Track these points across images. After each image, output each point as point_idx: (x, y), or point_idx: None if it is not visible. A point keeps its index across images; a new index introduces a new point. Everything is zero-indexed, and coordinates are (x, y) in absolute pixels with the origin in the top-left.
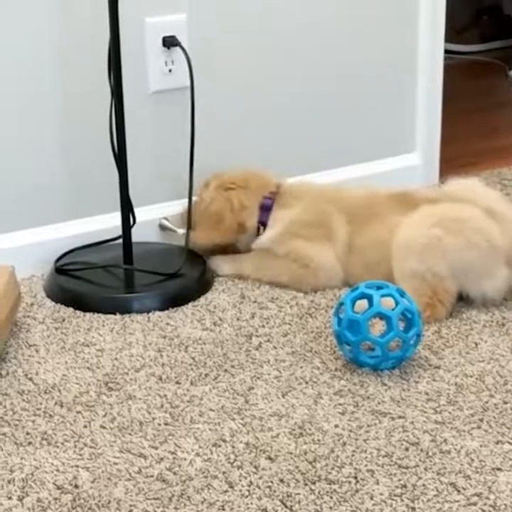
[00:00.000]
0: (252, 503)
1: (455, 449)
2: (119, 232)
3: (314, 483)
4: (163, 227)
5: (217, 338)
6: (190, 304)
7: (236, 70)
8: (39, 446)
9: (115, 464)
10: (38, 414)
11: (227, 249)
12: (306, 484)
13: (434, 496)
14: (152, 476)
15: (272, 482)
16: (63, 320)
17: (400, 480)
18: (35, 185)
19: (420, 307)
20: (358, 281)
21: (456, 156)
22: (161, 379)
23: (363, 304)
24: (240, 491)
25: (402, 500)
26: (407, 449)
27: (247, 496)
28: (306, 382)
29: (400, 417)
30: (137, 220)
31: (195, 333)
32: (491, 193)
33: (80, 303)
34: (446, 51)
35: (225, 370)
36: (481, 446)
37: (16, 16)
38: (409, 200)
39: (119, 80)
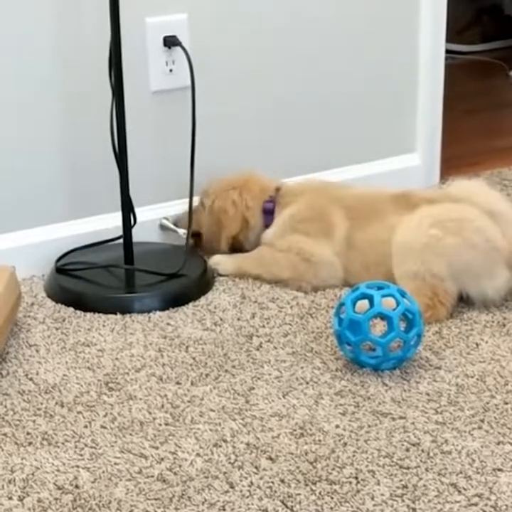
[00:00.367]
0: (252, 504)
1: (456, 450)
2: (120, 232)
3: (315, 483)
4: (163, 227)
5: (218, 338)
6: (190, 304)
7: (236, 69)
8: (40, 447)
9: (116, 464)
10: (38, 414)
11: (235, 250)
12: (306, 485)
13: (435, 496)
14: (153, 477)
15: (272, 482)
16: (64, 320)
17: (400, 480)
18: (35, 185)
19: (421, 308)
20: (358, 280)
21: (457, 156)
22: (161, 379)
23: (363, 304)
24: (241, 491)
25: (403, 500)
26: (407, 450)
27: (247, 497)
28: (307, 383)
29: (400, 418)
30: (138, 220)
31: (195, 333)
32: (491, 193)
33: (81, 303)
34: (447, 51)
35: (226, 371)
36: (481, 446)
37: (16, 16)
38: (409, 201)
39: (120, 80)
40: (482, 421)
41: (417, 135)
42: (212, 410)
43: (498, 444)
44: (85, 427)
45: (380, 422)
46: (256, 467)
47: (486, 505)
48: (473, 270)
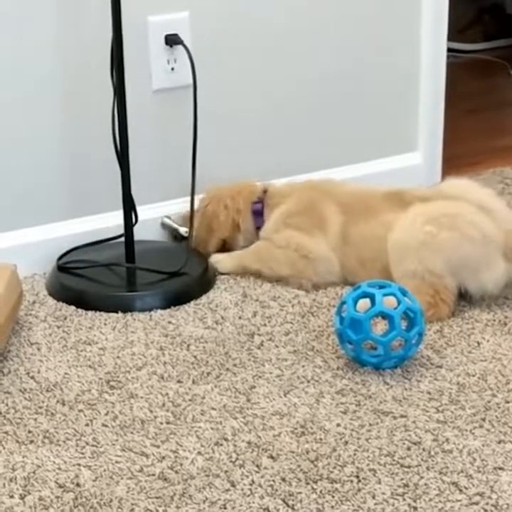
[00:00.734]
0: (253, 502)
1: (457, 449)
2: (122, 231)
3: (316, 482)
4: (165, 226)
5: (219, 336)
6: (192, 303)
7: (238, 68)
8: (41, 445)
9: (117, 462)
10: (39, 413)
11: (227, 250)
12: (307, 483)
13: (436, 495)
14: (154, 475)
15: (273, 481)
16: (65, 318)
17: (402, 479)
18: (37, 184)
19: (423, 307)
20: (354, 276)
21: (459, 155)
22: (162, 378)
23: (365, 303)
24: (242, 489)
25: (404, 499)
26: (409, 448)
27: (248, 495)
28: (308, 381)
29: (402, 416)
30: (139, 218)
31: (197, 331)
32: (482, 190)
33: (82, 301)
34: (449, 50)
35: (227, 369)
36: (483, 445)
37: (17, 16)
38: (402, 199)
39: (121, 78)
40: (483, 420)
41: (418, 134)
42: (213, 409)
43: (499, 442)
44: (86, 425)
45: (381, 420)
46: (257, 466)
47: (487, 504)
48: (470, 264)
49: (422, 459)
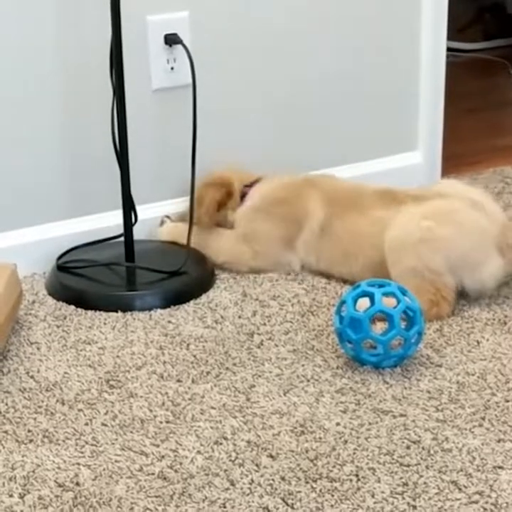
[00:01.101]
0: (253, 501)
1: (457, 447)
2: (121, 230)
3: (315, 481)
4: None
5: (219, 336)
6: (191, 302)
7: (237, 67)
8: (40, 444)
9: (116, 461)
10: (39, 412)
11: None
12: (307, 482)
13: (436, 494)
14: (153, 474)
15: (273, 480)
16: (65, 318)
17: (401, 478)
18: (37, 183)
19: (424, 305)
20: (333, 268)
21: (459, 155)
22: (162, 377)
23: (364, 302)
24: (241, 488)
25: (403, 498)
26: (408, 447)
27: (248, 494)
28: (308, 380)
29: (401, 415)
30: (139, 217)
31: (196, 331)
32: (472, 189)
33: (82, 301)
34: (449, 49)
35: (227, 368)
36: (482, 444)
37: (16, 15)
38: (393, 197)
39: (121, 78)
40: (483, 419)
41: (418, 133)
42: (212, 408)
43: (499, 441)
44: (86, 424)
45: (380, 419)
46: (256, 465)
47: (486, 502)
48: (469, 259)
49: (421, 458)
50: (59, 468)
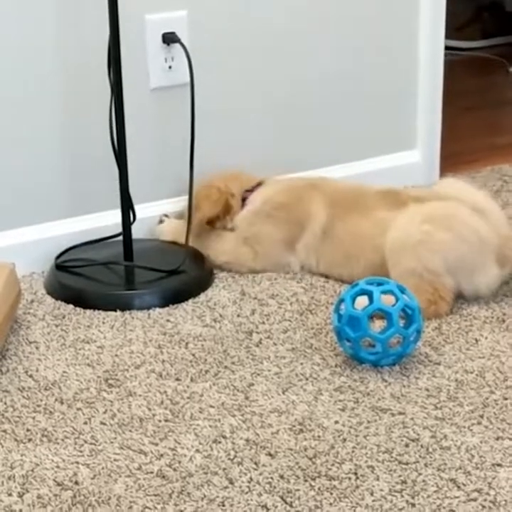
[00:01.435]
0: (252, 500)
1: (455, 445)
2: (120, 229)
3: (314, 479)
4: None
5: (218, 334)
6: (190, 301)
7: (236, 67)
8: (39, 443)
9: (115, 460)
10: (38, 411)
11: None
12: (306, 480)
13: (434, 491)
14: (152, 473)
15: (272, 478)
16: (63, 317)
17: (400, 476)
18: (35, 183)
19: (423, 304)
20: (333, 270)
21: (457, 153)
22: (161, 375)
23: (363, 300)
24: (240, 487)
25: (402, 496)
26: (407, 445)
27: (247, 492)
28: (307, 379)
29: (400, 413)
30: (138, 217)
31: (195, 329)
32: (476, 192)
33: (81, 300)
34: (447, 47)
35: (225, 367)
36: (481, 442)
37: (15, 15)
38: (395, 198)
39: (119, 77)
40: (481, 416)
41: (417, 132)
42: (211, 406)
43: (498, 439)
44: (85, 423)
45: (379, 417)
46: (255, 463)
47: (485, 500)
48: (466, 265)
49: (420, 456)
50: (58, 467)
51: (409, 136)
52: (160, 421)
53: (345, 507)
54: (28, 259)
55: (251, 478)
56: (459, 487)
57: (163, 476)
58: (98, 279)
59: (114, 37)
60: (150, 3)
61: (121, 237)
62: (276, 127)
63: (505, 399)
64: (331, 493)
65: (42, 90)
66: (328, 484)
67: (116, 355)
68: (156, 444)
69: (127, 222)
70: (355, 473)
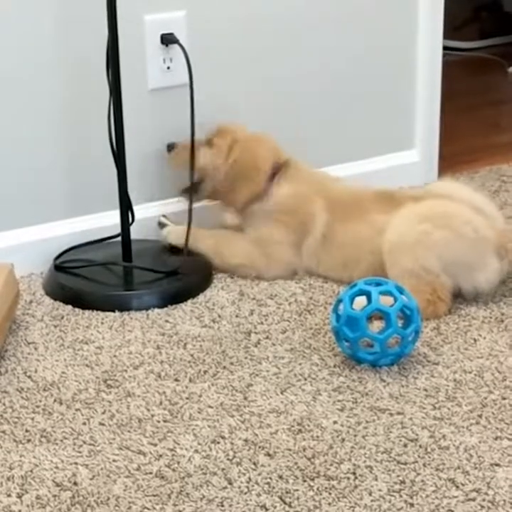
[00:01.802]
0: (251, 500)
1: (454, 445)
2: (119, 230)
3: (313, 479)
4: (162, 225)
5: (216, 335)
6: (189, 301)
7: (235, 67)
8: (38, 444)
9: (114, 461)
10: (37, 412)
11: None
12: (304, 480)
13: (433, 491)
14: (151, 473)
15: (270, 478)
16: (62, 317)
17: (398, 476)
18: (34, 184)
19: (422, 304)
20: (333, 273)
21: (456, 153)
22: (159, 376)
23: (361, 300)
24: (239, 487)
25: (400, 496)
26: (405, 445)
27: (246, 493)
28: (305, 379)
29: (398, 413)
30: (136, 217)
31: (194, 330)
32: (472, 191)
33: (79, 300)
34: (445, 48)
35: (224, 367)
36: (479, 442)
37: (14, 15)
38: (393, 199)
39: (117, 78)
40: (480, 416)
41: (415, 132)
42: (210, 407)
43: (496, 439)
44: (84, 424)
45: (377, 417)
46: (254, 463)
47: (483, 500)
48: (464, 263)
49: (418, 456)
50: (57, 467)
51: (408, 136)
52: (159, 421)
53: (344, 507)
54: (26, 260)
55: (250, 479)
56: (457, 487)
57: (162, 477)
58: (97, 279)
59: (113, 37)
60: (148, 4)
61: (119, 238)
62: (275, 127)
63: (504, 399)
64: (330, 493)
65: (41, 91)
66: (326, 484)
67: (114, 356)
68: (155, 445)
69: (126, 222)
70: (354, 473)
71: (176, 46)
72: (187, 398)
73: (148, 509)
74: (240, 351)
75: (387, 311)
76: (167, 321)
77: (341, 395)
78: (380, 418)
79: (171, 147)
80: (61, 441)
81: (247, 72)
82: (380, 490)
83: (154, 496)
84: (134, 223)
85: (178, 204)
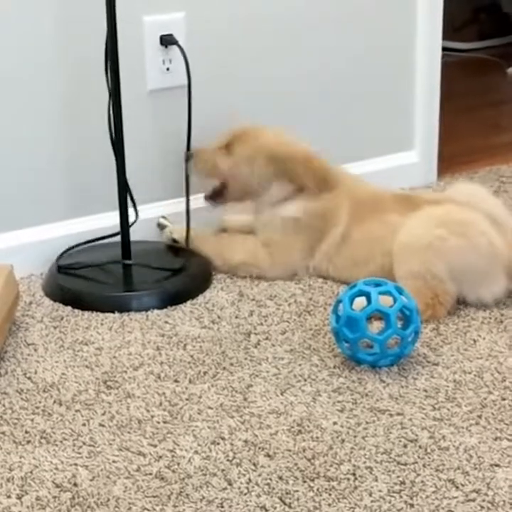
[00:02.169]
0: (250, 501)
1: (453, 446)
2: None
3: (313, 480)
4: (161, 226)
5: (216, 336)
6: (188, 302)
7: (235, 67)
8: (38, 445)
9: (114, 462)
10: (36, 413)
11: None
12: (304, 481)
13: (433, 492)
14: (151, 474)
15: (270, 479)
16: (62, 319)
17: (398, 477)
18: (34, 184)
19: (421, 307)
20: (345, 274)
21: (455, 154)
22: (159, 377)
23: (361, 301)
24: (239, 488)
25: (400, 496)
26: (405, 446)
27: (245, 494)
28: (305, 380)
29: (398, 414)
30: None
31: (193, 331)
32: (493, 199)
33: (79, 301)
34: (444, 48)
35: (224, 368)
36: (479, 442)
37: (14, 15)
38: (411, 202)
39: (116, 79)
40: (479, 417)
41: (414, 133)
42: (210, 408)
43: (496, 439)
44: (83, 425)
45: (377, 418)
46: (254, 464)
47: (483, 500)
48: (473, 274)
49: (418, 457)
50: (56, 468)
51: (407, 136)
52: (158, 422)
53: (344, 508)
54: (26, 261)
55: (250, 480)
56: (457, 487)
57: (162, 478)
58: (96, 280)
59: (112, 38)
60: (148, 5)
61: (119, 239)
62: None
63: (503, 399)
64: (330, 494)
65: (41, 91)
66: (326, 485)
67: (114, 357)
68: (155, 446)
69: (125, 222)
70: (354, 474)
71: (175, 47)
72: (187, 399)
73: (148, 510)
74: (240, 352)
75: (387, 312)
76: (167, 322)
77: (341, 396)
78: (380, 419)
79: (189, 156)
80: (61, 442)
81: (247, 72)
82: (380, 491)
83: (154, 497)
84: (135, 223)
85: (178, 204)
